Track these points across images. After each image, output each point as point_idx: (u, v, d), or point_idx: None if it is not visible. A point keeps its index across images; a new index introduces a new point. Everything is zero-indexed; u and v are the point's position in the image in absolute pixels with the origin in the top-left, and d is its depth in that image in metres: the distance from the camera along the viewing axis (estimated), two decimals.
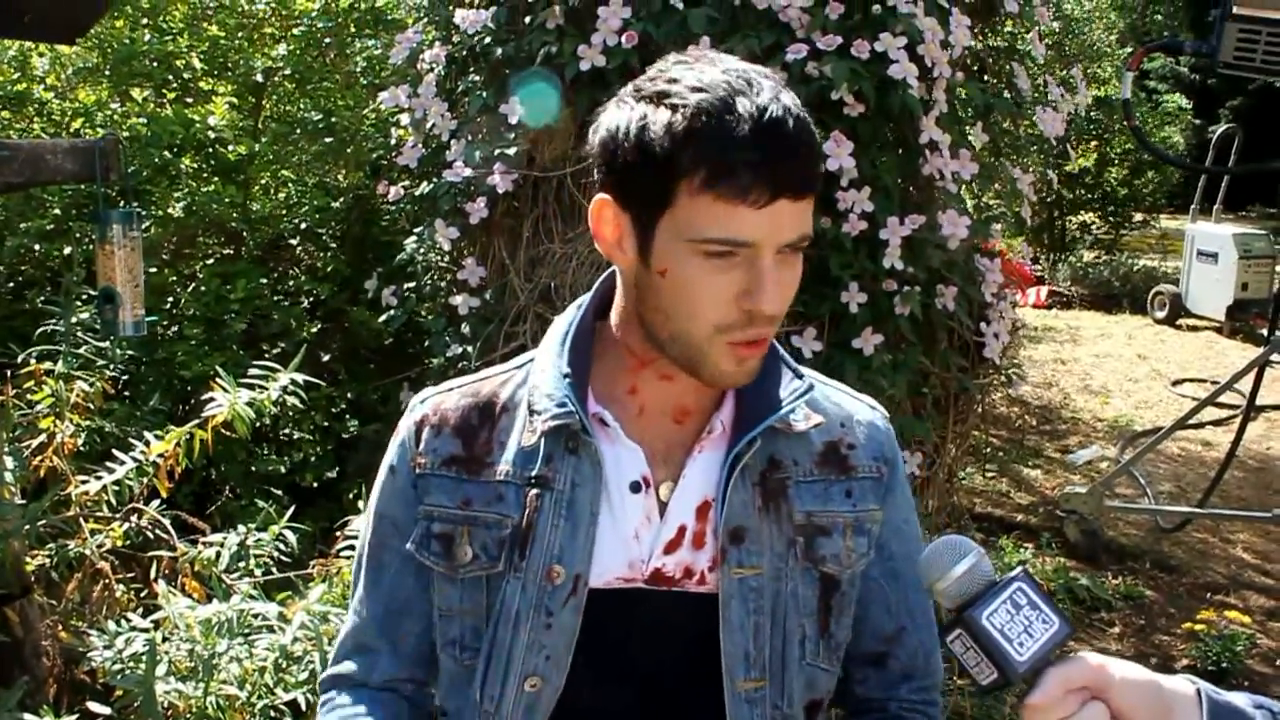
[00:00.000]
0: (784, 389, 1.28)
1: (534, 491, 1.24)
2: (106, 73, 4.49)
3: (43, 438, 2.70)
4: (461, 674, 1.29)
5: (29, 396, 2.78)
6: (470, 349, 2.99)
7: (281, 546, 2.54)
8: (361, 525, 1.39)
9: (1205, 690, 1.00)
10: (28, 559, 2.57)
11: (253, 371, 2.49)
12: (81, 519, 2.63)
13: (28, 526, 2.44)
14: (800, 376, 1.30)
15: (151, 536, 2.65)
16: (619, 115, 1.16)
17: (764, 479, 1.27)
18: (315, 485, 3.94)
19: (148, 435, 2.60)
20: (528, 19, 2.91)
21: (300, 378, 2.49)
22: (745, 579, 1.24)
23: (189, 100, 4.66)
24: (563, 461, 1.24)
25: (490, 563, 1.25)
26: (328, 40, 4.69)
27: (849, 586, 1.31)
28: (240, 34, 4.64)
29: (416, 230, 3.30)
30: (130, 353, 3.71)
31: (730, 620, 1.24)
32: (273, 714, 2.17)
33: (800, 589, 1.27)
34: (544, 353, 1.30)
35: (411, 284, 3.33)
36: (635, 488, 1.25)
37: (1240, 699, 1.01)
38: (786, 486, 1.28)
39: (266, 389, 2.46)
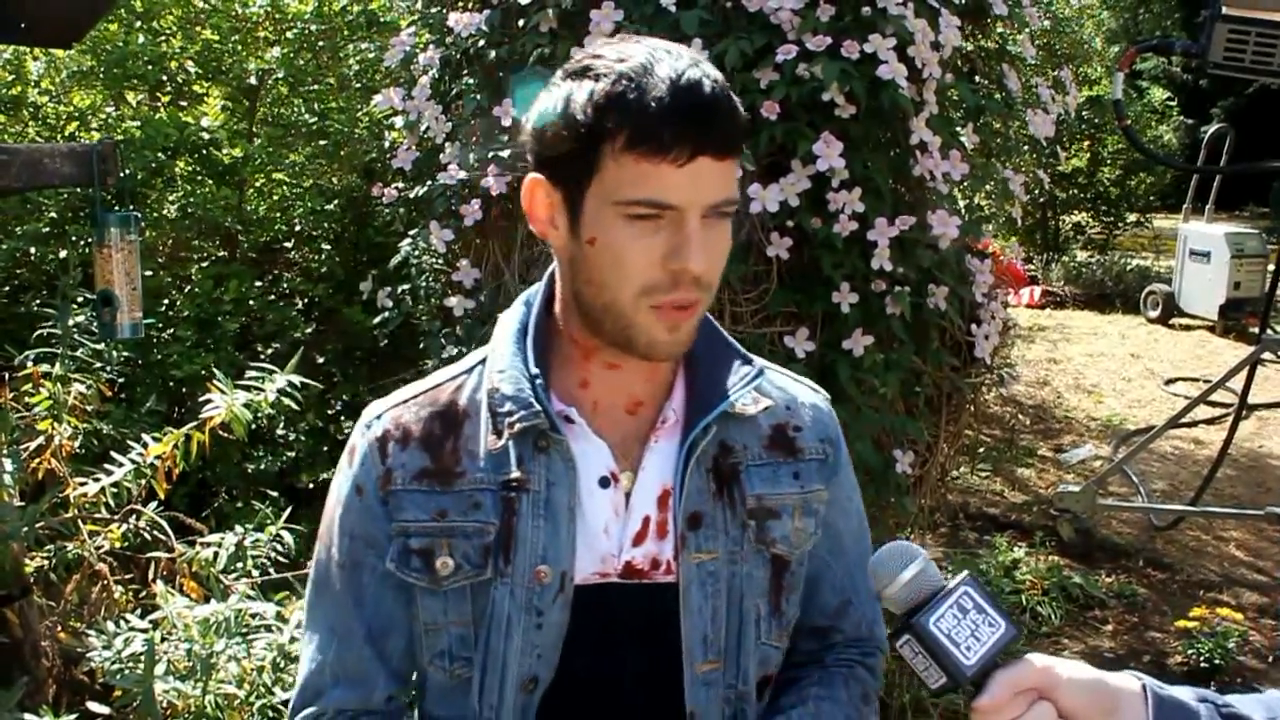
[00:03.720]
0: (733, 374, 1.30)
1: (511, 495, 1.24)
2: (100, 75, 4.50)
3: (40, 440, 2.70)
4: (452, 685, 1.29)
5: (27, 399, 2.79)
6: (465, 350, 3.00)
7: (278, 547, 2.55)
8: (319, 549, 1.35)
9: (1150, 686, 1.02)
10: (27, 561, 2.58)
11: (249, 373, 2.50)
12: (80, 521, 2.64)
13: (26, 528, 2.45)
14: (749, 362, 1.32)
15: (149, 538, 2.65)
16: (548, 98, 1.19)
17: (717, 464, 1.29)
18: (311, 486, 3.96)
19: (145, 437, 2.61)
20: (521, 22, 2.92)
21: (296, 379, 2.50)
22: (703, 564, 1.27)
23: (183, 103, 4.67)
24: (534, 462, 1.25)
25: (474, 571, 1.25)
26: (321, 43, 4.70)
27: (798, 566, 1.35)
28: (234, 37, 4.65)
29: (411, 232, 3.31)
30: (126, 355, 3.72)
31: (690, 605, 1.26)
32: (270, 713, 2.18)
33: (754, 571, 1.30)
34: (499, 353, 1.29)
35: (406, 286, 3.34)
36: (604, 483, 1.26)
37: (1185, 693, 1.03)
38: (738, 470, 1.30)
39: (263, 390, 2.47)
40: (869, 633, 1.45)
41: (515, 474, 1.24)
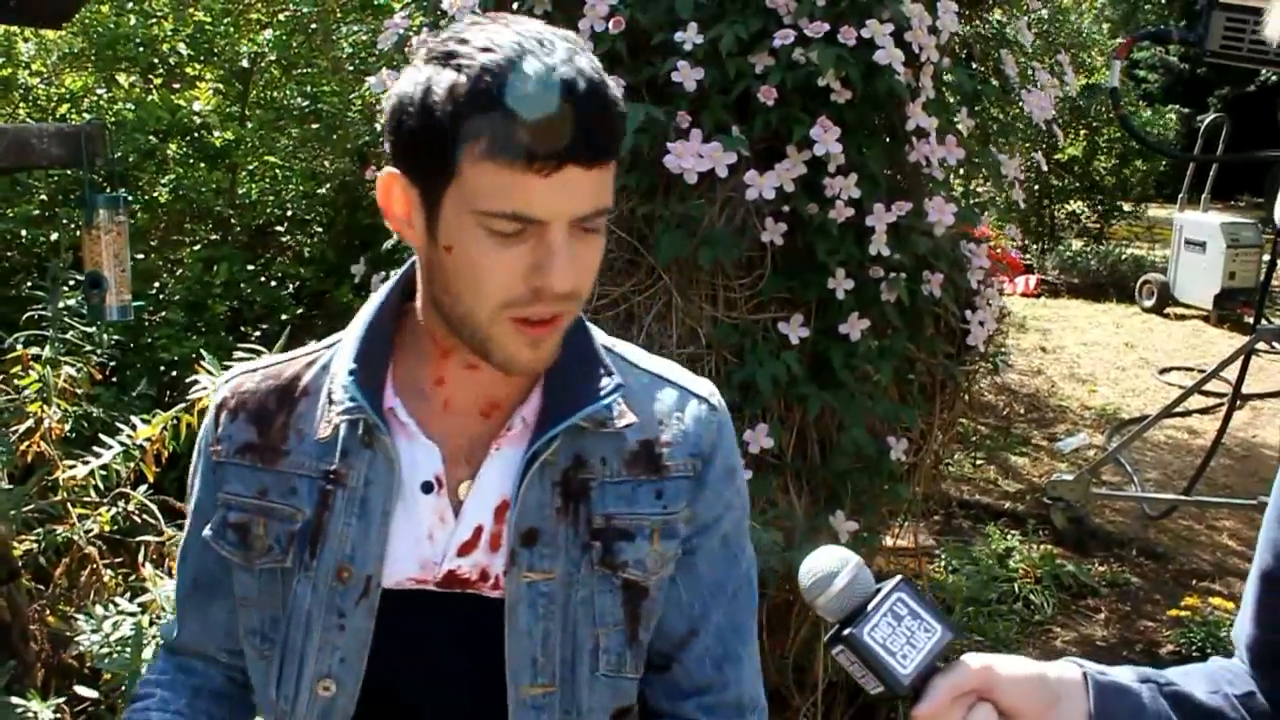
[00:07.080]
0: (594, 386, 1.19)
1: (327, 487, 1.17)
2: (92, 57, 4.48)
3: (30, 423, 2.70)
4: (260, 664, 1.23)
5: (16, 382, 2.78)
6: None
7: None
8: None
9: (1090, 672, 1.01)
10: (15, 544, 2.57)
11: (237, 354, 2.49)
12: (69, 504, 2.63)
13: (14, 511, 2.44)
14: (612, 374, 1.21)
15: (139, 521, 2.65)
16: (407, 80, 1.06)
17: (566, 479, 1.19)
18: None
19: (134, 420, 2.60)
20: (515, 5, 2.90)
21: None
22: (535, 584, 1.17)
23: (175, 86, 4.66)
24: (358, 457, 1.17)
25: (280, 556, 1.18)
26: (314, 26, 4.68)
27: (658, 592, 1.23)
28: (226, 19, 4.63)
29: None
30: (117, 338, 3.71)
31: (517, 625, 1.17)
32: None
33: (597, 597, 1.19)
34: (348, 337, 1.21)
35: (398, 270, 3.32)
36: (426, 488, 1.17)
37: (1126, 674, 1.03)
38: (589, 487, 1.19)
39: None
40: (716, 675, 1.27)
41: (335, 466, 1.17)
